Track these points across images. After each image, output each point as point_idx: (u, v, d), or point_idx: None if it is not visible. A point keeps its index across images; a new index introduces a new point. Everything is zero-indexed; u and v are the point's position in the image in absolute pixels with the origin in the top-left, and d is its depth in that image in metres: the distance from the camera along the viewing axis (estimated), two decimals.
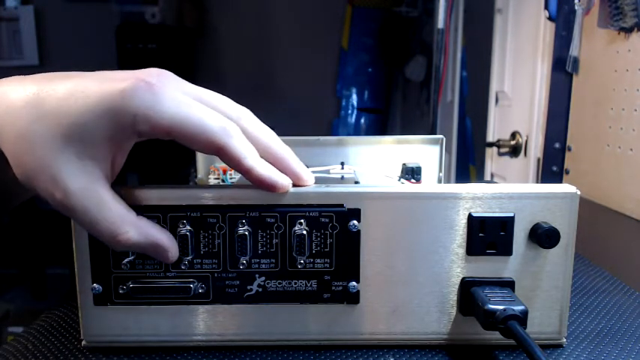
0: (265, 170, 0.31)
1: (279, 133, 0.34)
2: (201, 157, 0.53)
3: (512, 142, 1.18)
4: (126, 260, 0.32)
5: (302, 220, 0.32)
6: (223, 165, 0.52)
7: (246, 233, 0.32)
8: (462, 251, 0.33)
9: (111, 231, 0.29)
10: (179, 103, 0.29)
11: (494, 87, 1.30)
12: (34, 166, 0.28)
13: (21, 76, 0.30)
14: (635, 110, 0.72)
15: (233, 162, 0.30)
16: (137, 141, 0.30)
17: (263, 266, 0.33)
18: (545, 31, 1.03)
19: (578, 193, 0.33)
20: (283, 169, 0.32)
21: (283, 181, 0.31)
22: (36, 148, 0.28)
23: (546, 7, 0.91)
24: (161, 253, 0.31)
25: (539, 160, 1.03)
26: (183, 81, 0.31)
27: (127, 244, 0.29)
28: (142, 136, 0.29)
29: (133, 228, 0.29)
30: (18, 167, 0.28)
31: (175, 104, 0.28)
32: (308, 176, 0.33)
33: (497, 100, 1.30)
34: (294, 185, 0.32)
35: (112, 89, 0.28)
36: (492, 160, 1.33)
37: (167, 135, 0.29)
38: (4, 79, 0.30)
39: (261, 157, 0.31)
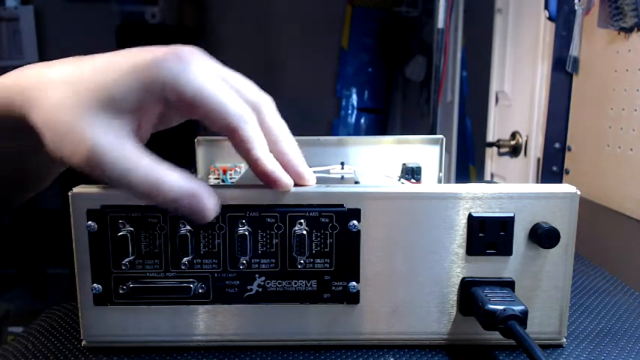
0: (271, 165, 0.31)
1: None
2: (201, 158, 0.53)
3: (512, 142, 1.18)
4: (126, 260, 0.32)
5: (302, 220, 0.32)
6: (223, 165, 0.52)
7: (246, 233, 0.32)
8: (462, 251, 0.33)
9: (145, 178, 0.28)
10: (206, 78, 0.29)
11: (494, 87, 1.30)
12: (64, 127, 0.28)
13: (50, 61, 0.31)
14: (635, 110, 0.72)
15: (242, 148, 0.30)
16: (162, 113, 0.31)
17: (263, 266, 0.33)
18: (545, 31, 1.03)
19: (578, 193, 0.33)
20: (286, 164, 0.32)
21: (286, 180, 0.32)
22: (67, 111, 0.29)
23: (546, 7, 0.91)
24: (201, 205, 0.29)
25: (539, 160, 1.03)
26: (212, 59, 0.31)
27: (164, 192, 0.28)
28: (168, 106, 0.30)
29: (168, 175, 0.29)
30: (48, 134, 0.29)
31: (202, 79, 0.29)
32: (310, 176, 0.33)
33: (497, 100, 1.30)
34: (295, 184, 0.32)
35: (146, 58, 0.29)
36: (492, 160, 1.33)
37: (188, 108, 0.29)
38: (40, 63, 0.32)
39: (270, 148, 0.31)
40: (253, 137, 0.30)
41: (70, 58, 0.31)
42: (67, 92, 0.29)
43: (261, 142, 0.31)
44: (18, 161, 0.37)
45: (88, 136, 0.28)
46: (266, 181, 0.31)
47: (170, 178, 0.29)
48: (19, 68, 0.33)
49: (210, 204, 0.30)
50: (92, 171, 0.29)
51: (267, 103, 0.32)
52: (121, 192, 0.30)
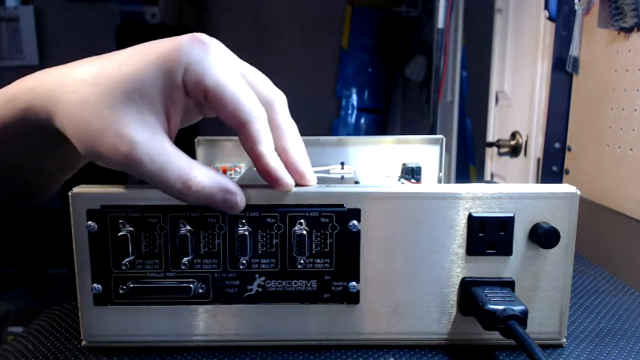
0: (274, 162, 0.31)
1: None
2: (201, 158, 0.53)
3: (512, 142, 1.18)
4: (126, 260, 0.32)
5: (302, 220, 0.32)
6: (223, 165, 0.52)
7: (246, 233, 0.32)
8: (462, 251, 0.33)
9: (180, 176, 0.29)
10: (224, 68, 0.30)
11: (494, 87, 1.30)
12: (98, 126, 0.29)
13: (71, 63, 0.32)
14: (635, 110, 0.72)
15: (248, 143, 0.30)
16: (185, 107, 0.32)
17: (263, 266, 0.33)
18: (545, 31, 1.03)
19: (578, 193, 0.33)
20: (288, 162, 0.32)
21: (288, 179, 0.32)
22: (98, 108, 0.29)
23: (546, 7, 0.91)
24: (230, 199, 0.31)
25: (539, 160, 1.03)
26: (229, 51, 0.32)
27: (197, 188, 0.29)
28: (188, 94, 0.30)
29: (201, 172, 0.30)
30: (78, 133, 0.29)
31: (221, 69, 0.30)
32: (311, 176, 0.33)
33: (497, 100, 1.30)
34: (296, 184, 0.32)
35: (169, 44, 0.29)
36: (492, 160, 1.33)
37: (203, 96, 0.30)
38: (60, 65, 0.32)
39: (275, 145, 0.32)
40: (261, 133, 0.30)
41: (89, 57, 0.31)
42: (95, 90, 0.29)
43: (268, 138, 0.31)
44: (27, 165, 0.36)
45: (127, 135, 0.28)
46: (267, 178, 0.31)
47: (203, 175, 0.30)
48: (38, 72, 0.32)
49: (240, 198, 0.31)
50: (130, 169, 0.29)
51: (280, 99, 0.33)
52: (153, 189, 0.31)
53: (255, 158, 0.31)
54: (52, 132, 0.31)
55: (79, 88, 0.29)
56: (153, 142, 0.29)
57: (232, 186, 0.31)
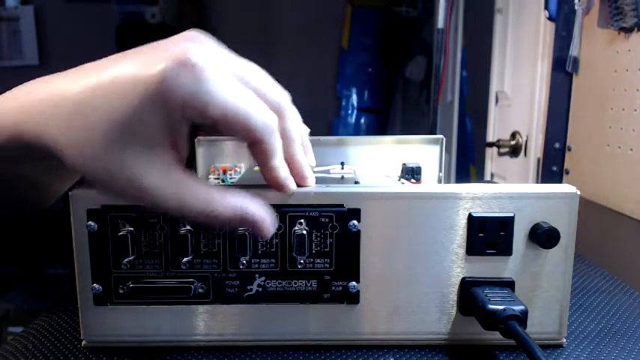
0: (284, 173, 0.31)
1: None
2: (201, 158, 0.53)
3: (512, 142, 1.18)
4: (126, 260, 0.32)
5: (302, 220, 0.32)
6: (223, 165, 0.52)
7: (246, 233, 0.32)
8: (461, 251, 0.33)
9: (199, 211, 0.28)
10: (226, 90, 0.27)
11: (494, 87, 1.30)
12: (106, 175, 0.27)
13: (55, 75, 0.29)
14: (635, 110, 0.72)
15: (262, 157, 0.29)
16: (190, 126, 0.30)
17: (263, 266, 0.33)
18: (545, 31, 1.03)
19: (578, 193, 0.33)
20: (293, 167, 0.32)
21: (292, 186, 0.32)
22: (101, 154, 0.27)
23: (546, 7, 0.91)
24: (256, 226, 0.29)
25: (539, 160, 1.03)
26: (223, 51, 0.29)
27: (217, 220, 0.28)
28: (195, 120, 0.28)
29: (220, 204, 0.28)
30: (88, 174, 0.28)
31: (222, 92, 0.26)
32: (312, 180, 0.33)
33: (497, 100, 1.30)
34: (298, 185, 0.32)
35: (151, 75, 0.25)
36: (492, 160, 1.33)
37: (212, 123, 0.28)
38: (36, 80, 0.29)
39: (284, 151, 0.31)
40: (274, 148, 0.29)
41: (68, 71, 0.29)
42: (92, 129, 0.26)
43: (280, 150, 0.30)
44: (24, 184, 0.35)
45: (137, 181, 0.27)
46: (273, 185, 0.31)
47: (223, 207, 0.28)
48: (15, 88, 0.30)
49: (266, 224, 0.29)
50: (146, 206, 0.28)
51: (287, 101, 0.31)
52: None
53: (267, 170, 0.30)
54: (47, 154, 0.28)
55: (74, 121, 0.27)
56: (165, 182, 0.27)
57: (257, 212, 0.29)
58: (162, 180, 0.27)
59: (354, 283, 0.33)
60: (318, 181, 0.34)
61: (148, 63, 0.26)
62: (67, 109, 0.27)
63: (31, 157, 0.30)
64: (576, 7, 0.84)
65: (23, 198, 0.37)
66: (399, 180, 0.47)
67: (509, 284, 0.33)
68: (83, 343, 0.34)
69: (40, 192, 0.37)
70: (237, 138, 0.29)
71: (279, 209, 0.32)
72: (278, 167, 0.30)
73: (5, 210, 0.37)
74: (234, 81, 0.28)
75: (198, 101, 0.26)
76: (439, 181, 0.53)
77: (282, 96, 0.31)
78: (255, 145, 0.29)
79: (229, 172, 0.50)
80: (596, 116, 0.81)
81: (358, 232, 0.33)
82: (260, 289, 0.33)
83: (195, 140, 0.52)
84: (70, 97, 0.27)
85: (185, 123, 0.28)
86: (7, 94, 0.29)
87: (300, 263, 0.33)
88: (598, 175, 0.80)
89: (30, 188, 0.36)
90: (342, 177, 0.44)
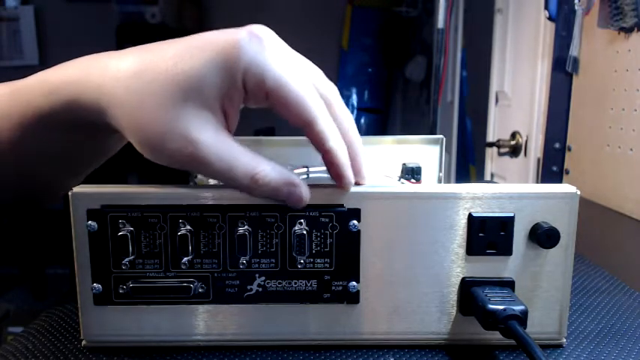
0: (344, 157, 0.31)
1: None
2: None
3: (512, 142, 1.18)
4: (126, 260, 0.32)
5: (302, 220, 0.32)
6: None
7: (246, 233, 0.32)
8: (462, 251, 0.33)
9: (248, 171, 0.29)
10: (284, 66, 0.29)
11: (494, 87, 1.30)
12: (159, 129, 0.28)
13: (113, 51, 0.31)
14: (635, 110, 0.72)
15: (316, 140, 0.30)
16: (242, 104, 0.31)
17: (263, 266, 0.33)
18: (545, 31, 1.03)
19: (578, 193, 0.33)
20: (351, 157, 0.32)
21: (351, 178, 0.32)
22: (157, 109, 0.28)
23: (546, 7, 0.91)
24: (295, 192, 0.30)
25: (539, 160, 1.03)
26: (284, 43, 0.31)
27: (264, 182, 0.29)
28: (247, 93, 0.29)
29: (268, 166, 0.30)
30: (139, 136, 0.28)
31: (281, 67, 0.29)
32: (367, 175, 0.33)
33: (497, 100, 1.30)
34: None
35: (227, 40, 0.28)
36: (492, 160, 1.33)
37: (264, 96, 0.29)
38: (102, 53, 0.31)
39: None
40: (327, 130, 0.30)
41: (132, 48, 0.30)
42: (150, 88, 0.28)
43: (335, 132, 0.31)
44: (60, 155, 0.36)
45: (191, 136, 0.28)
46: (334, 173, 0.31)
47: (270, 169, 0.30)
48: (78, 60, 0.31)
49: (304, 191, 0.31)
50: (195, 168, 0.29)
51: (334, 92, 0.32)
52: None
53: (325, 153, 0.31)
54: (101, 126, 0.30)
55: (132, 85, 0.28)
56: (218, 141, 0.28)
57: (297, 180, 0.30)
58: (214, 139, 0.28)
59: (354, 283, 0.33)
60: (318, 180, 0.34)
61: (227, 34, 0.29)
62: (132, 74, 0.28)
63: (86, 126, 0.31)
64: (576, 7, 0.84)
65: (51, 177, 0.37)
66: (399, 180, 0.47)
67: (509, 284, 0.33)
68: (83, 343, 0.34)
69: (74, 166, 0.38)
70: (287, 118, 0.29)
71: (280, 209, 0.32)
72: (335, 150, 0.30)
73: (28, 191, 0.38)
74: (292, 63, 0.30)
75: (257, 67, 0.28)
76: (439, 181, 0.53)
77: (330, 86, 0.32)
78: (307, 128, 0.30)
79: None
80: (596, 116, 0.81)
81: (358, 232, 0.33)
82: (260, 289, 0.33)
83: None
84: (137, 63, 0.29)
85: (241, 94, 0.29)
86: (68, 64, 0.31)
87: (300, 263, 0.33)
88: (598, 175, 0.80)
89: (64, 162, 0.36)
90: None
